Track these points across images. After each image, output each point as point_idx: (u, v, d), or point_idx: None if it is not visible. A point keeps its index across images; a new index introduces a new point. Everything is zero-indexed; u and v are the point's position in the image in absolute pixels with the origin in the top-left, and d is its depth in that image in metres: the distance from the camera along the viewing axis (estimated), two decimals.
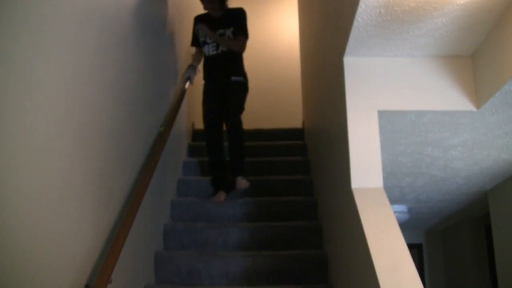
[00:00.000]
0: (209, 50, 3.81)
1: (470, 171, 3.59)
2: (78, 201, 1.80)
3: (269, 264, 3.06)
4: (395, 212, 4.70)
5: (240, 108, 3.76)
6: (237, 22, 3.81)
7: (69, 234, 1.71)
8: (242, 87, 3.81)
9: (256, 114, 6.37)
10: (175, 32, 3.97)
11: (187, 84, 3.85)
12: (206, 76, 3.91)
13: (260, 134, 4.88)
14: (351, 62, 2.48)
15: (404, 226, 4.36)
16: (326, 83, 3.13)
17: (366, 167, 2.35)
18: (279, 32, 6.71)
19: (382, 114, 2.46)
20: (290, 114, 5.83)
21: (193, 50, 4.12)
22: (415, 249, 6.12)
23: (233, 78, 3.78)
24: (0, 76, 1.28)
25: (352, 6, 2.14)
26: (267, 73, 6.45)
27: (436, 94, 2.47)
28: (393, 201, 4.45)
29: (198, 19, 3.94)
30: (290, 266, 3.06)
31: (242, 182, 3.63)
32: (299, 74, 5.42)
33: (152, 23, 3.22)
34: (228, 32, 3.77)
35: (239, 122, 3.70)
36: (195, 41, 3.98)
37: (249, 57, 6.84)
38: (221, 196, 3.64)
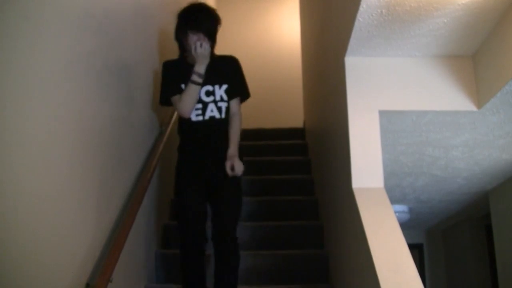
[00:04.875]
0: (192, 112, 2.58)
1: (471, 171, 3.59)
2: (79, 200, 1.80)
3: (269, 264, 3.06)
4: (395, 212, 4.70)
5: (237, 220, 2.55)
6: (233, 77, 2.65)
7: (70, 233, 1.72)
8: (238, 179, 2.58)
9: (257, 113, 6.38)
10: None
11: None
12: (185, 149, 2.62)
13: (261, 133, 4.88)
14: (352, 62, 2.48)
15: (405, 226, 4.36)
16: (327, 83, 3.13)
17: (367, 167, 2.35)
18: (280, 32, 6.71)
19: (383, 114, 2.46)
20: (291, 114, 5.83)
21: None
22: (415, 249, 6.12)
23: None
24: (0, 76, 1.28)
25: (354, 6, 2.13)
26: (268, 73, 6.45)
27: (437, 94, 2.47)
28: (394, 201, 4.45)
29: (170, 67, 2.66)
30: (291, 266, 3.06)
31: None
32: (300, 74, 5.42)
33: (150, 17, 3.22)
34: (220, 91, 2.58)
35: (237, 246, 2.55)
36: (167, 97, 2.63)
37: (250, 57, 6.82)
38: None
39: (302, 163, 4.27)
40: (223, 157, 2.50)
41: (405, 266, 1.94)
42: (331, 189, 3.02)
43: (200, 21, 2.52)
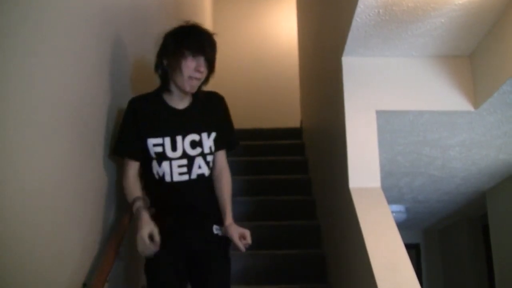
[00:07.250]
0: (171, 172, 1.99)
1: (468, 171, 3.60)
2: (77, 199, 1.80)
3: (267, 264, 3.06)
4: (393, 212, 4.71)
5: None
6: (222, 123, 2.12)
7: (67, 232, 1.71)
8: (227, 246, 2.09)
9: (254, 113, 6.38)
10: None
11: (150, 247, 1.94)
12: (159, 217, 2.01)
13: (258, 133, 4.88)
14: (349, 62, 2.48)
15: (402, 226, 4.36)
16: (325, 83, 3.13)
17: (364, 167, 2.35)
18: (278, 31, 6.71)
19: (380, 114, 2.46)
20: (288, 114, 5.84)
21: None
22: (413, 249, 6.12)
23: (215, 228, 2.05)
24: (0, 76, 1.28)
25: (351, 6, 2.14)
26: (266, 73, 6.46)
27: (435, 94, 2.47)
28: (391, 201, 4.45)
29: (139, 108, 2.06)
30: (289, 266, 3.06)
31: None
32: (298, 74, 5.43)
33: (145, 25, 3.22)
34: (209, 141, 2.04)
35: None
36: (130, 148, 2.05)
37: (248, 57, 6.82)
38: None
39: (299, 163, 4.27)
40: (209, 225, 2.04)
41: (402, 266, 1.94)
42: (328, 189, 3.02)
43: (205, 44, 2.00)
